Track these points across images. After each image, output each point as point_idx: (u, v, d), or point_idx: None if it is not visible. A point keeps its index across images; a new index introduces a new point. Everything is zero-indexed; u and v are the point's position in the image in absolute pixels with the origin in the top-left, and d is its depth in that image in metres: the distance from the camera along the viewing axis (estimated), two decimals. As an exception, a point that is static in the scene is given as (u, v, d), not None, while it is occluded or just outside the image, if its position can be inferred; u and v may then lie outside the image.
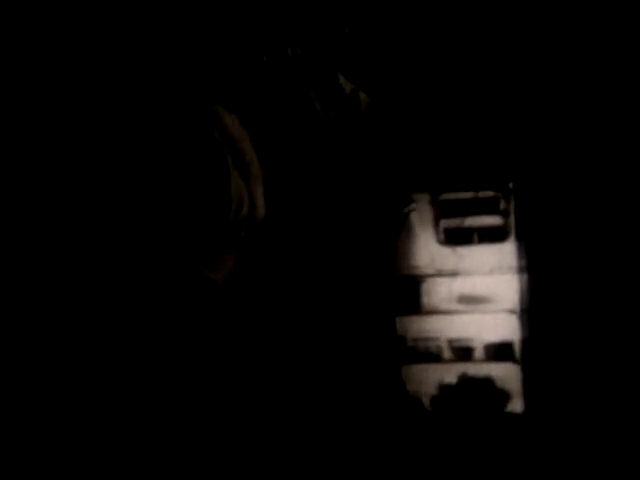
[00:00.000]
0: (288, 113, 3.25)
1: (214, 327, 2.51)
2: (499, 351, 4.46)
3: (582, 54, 4.34)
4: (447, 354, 4.52)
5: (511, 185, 4.47)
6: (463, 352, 4.49)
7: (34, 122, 2.51)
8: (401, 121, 3.97)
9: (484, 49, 4.50)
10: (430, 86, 4.55)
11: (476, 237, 4.52)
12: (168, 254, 2.37)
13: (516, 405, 4.39)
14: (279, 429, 3.04)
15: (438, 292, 4.56)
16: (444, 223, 4.56)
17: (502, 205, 4.49)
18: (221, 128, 2.39)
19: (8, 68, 2.53)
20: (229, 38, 2.72)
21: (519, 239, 4.46)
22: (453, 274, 4.53)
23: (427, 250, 4.57)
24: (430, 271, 4.57)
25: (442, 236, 4.56)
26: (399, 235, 3.95)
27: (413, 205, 3.70)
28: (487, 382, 4.43)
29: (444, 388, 4.49)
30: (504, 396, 4.42)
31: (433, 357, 4.52)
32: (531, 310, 4.41)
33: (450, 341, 4.51)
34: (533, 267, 4.44)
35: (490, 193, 4.50)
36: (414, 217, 4.54)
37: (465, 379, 4.47)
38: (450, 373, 4.50)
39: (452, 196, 4.55)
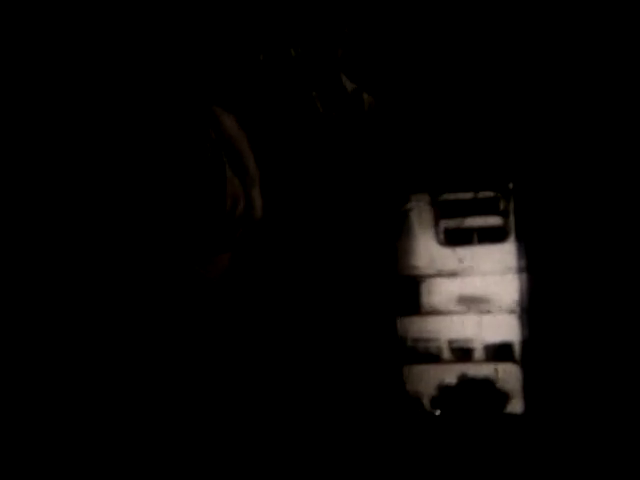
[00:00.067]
0: (289, 113, 3.25)
1: (208, 325, 2.51)
2: (499, 352, 4.45)
3: (582, 54, 4.33)
4: (447, 354, 4.52)
5: (511, 185, 4.47)
6: (463, 353, 4.49)
7: (32, 119, 2.50)
8: (401, 121, 3.97)
9: (484, 49, 4.50)
10: (429, 87, 4.55)
11: (476, 237, 4.52)
12: (162, 251, 2.37)
13: (516, 406, 4.39)
14: (278, 428, 3.04)
15: (438, 292, 4.55)
16: (444, 223, 4.56)
17: (502, 205, 4.49)
18: (217, 128, 2.39)
19: (8, 68, 2.52)
20: (227, 38, 2.72)
21: (519, 239, 4.46)
22: (453, 274, 4.53)
23: (427, 250, 4.57)
24: (430, 271, 4.57)
25: (442, 236, 4.56)
26: (399, 235, 3.95)
27: (411, 204, 3.70)
28: (487, 383, 4.43)
29: (444, 389, 4.49)
30: (504, 397, 4.41)
31: (433, 357, 4.52)
32: (531, 310, 4.41)
33: (450, 341, 4.51)
34: (533, 267, 4.43)
35: (490, 193, 4.50)
36: (414, 217, 4.54)
37: (465, 380, 4.46)
38: (450, 373, 4.49)
39: (452, 196, 4.55)
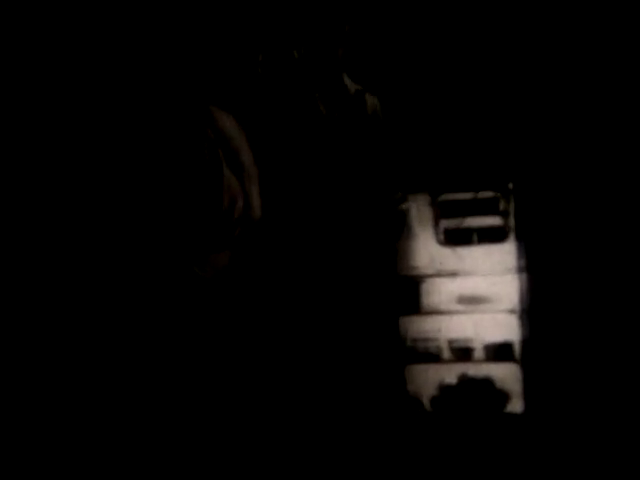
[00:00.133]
0: (290, 113, 3.25)
1: (205, 325, 2.51)
2: (499, 351, 4.46)
3: (582, 54, 4.34)
4: (447, 354, 4.52)
5: (511, 185, 4.47)
6: (463, 352, 4.49)
7: (30, 117, 2.50)
8: (402, 121, 3.97)
9: (484, 50, 4.50)
10: (429, 87, 4.55)
11: (476, 237, 4.52)
12: (158, 250, 2.37)
13: (516, 405, 4.39)
14: (278, 428, 3.04)
15: (438, 292, 4.55)
16: (444, 223, 4.56)
17: (502, 205, 4.49)
18: (215, 127, 2.39)
19: (6, 66, 2.52)
20: (226, 38, 2.72)
21: (519, 239, 4.46)
22: (453, 274, 4.53)
23: (427, 250, 4.57)
24: (430, 271, 4.57)
25: (442, 236, 4.56)
26: (399, 235, 3.95)
27: (408, 203, 3.70)
28: (487, 382, 4.43)
29: (444, 388, 4.49)
30: (504, 396, 4.42)
31: (433, 357, 4.52)
32: (531, 310, 4.41)
33: (450, 341, 4.51)
34: (533, 267, 4.44)
35: (490, 193, 4.50)
36: (414, 217, 4.54)
37: (465, 379, 4.47)
38: (450, 373, 4.49)
39: (452, 196, 4.55)
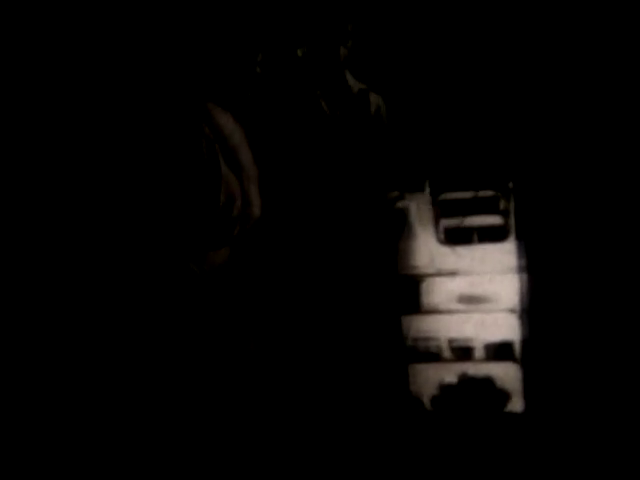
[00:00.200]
0: (291, 111, 3.25)
1: (204, 324, 2.51)
2: (499, 351, 4.45)
3: (582, 54, 4.33)
4: (447, 354, 4.52)
5: (511, 185, 4.47)
6: (463, 352, 4.49)
7: (26, 113, 2.50)
8: (402, 120, 3.97)
9: (484, 49, 4.50)
10: (429, 86, 4.55)
11: (476, 237, 4.52)
12: (155, 246, 2.37)
13: (516, 405, 4.39)
14: (277, 428, 3.04)
15: (438, 292, 4.55)
16: (444, 223, 4.56)
17: (502, 205, 4.49)
18: (213, 125, 2.39)
19: (4, 65, 2.52)
20: (226, 36, 2.72)
21: (519, 239, 4.46)
22: (453, 274, 4.53)
23: (427, 250, 4.57)
24: (430, 271, 4.57)
25: (442, 236, 4.56)
26: (399, 235, 3.95)
27: (405, 201, 3.69)
28: (487, 382, 4.43)
29: (444, 388, 4.49)
30: (504, 396, 4.42)
31: (433, 357, 4.52)
32: (531, 310, 4.41)
33: (450, 341, 4.51)
34: (533, 267, 4.43)
35: (490, 193, 4.50)
36: (414, 217, 4.54)
37: (465, 379, 4.47)
38: (450, 373, 4.49)
39: (452, 196, 4.55)
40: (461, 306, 4.52)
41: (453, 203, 4.54)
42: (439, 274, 4.56)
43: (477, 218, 4.52)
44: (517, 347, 4.41)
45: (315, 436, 3.19)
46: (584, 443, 3.99)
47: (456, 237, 4.54)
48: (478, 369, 4.46)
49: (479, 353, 4.48)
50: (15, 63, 2.50)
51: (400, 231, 4.00)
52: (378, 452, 3.38)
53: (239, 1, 2.89)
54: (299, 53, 3.25)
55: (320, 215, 3.32)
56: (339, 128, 3.32)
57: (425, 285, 4.57)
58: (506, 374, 4.41)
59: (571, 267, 4.35)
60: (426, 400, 4.49)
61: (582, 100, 4.35)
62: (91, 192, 2.35)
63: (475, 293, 4.50)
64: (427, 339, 4.53)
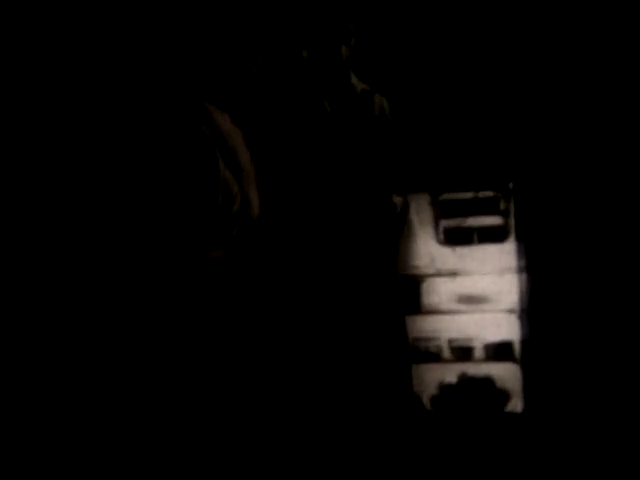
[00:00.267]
0: (292, 111, 3.25)
1: (203, 325, 2.51)
2: (499, 351, 4.46)
3: (582, 54, 4.34)
4: (447, 354, 4.52)
5: (511, 185, 4.47)
6: (463, 352, 4.49)
7: (24, 113, 2.50)
8: (402, 120, 3.97)
9: (484, 49, 4.50)
10: (428, 86, 4.55)
11: (476, 237, 4.52)
12: (154, 248, 2.37)
13: (516, 405, 4.39)
14: (278, 427, 3.04)
15: (438, 292, 4.55)
16: (444, 223, 4.56)
17: (502, 205, 4.49)
18: (211, 125, 2.39)
19: (3, 65, 2.53)
20: (225, 36, 2.72)
21: (519, 239, 4.46)
22: (453, 274, 4.53)
23: (427, 250, 4.57)
24: (430, 271, 4.57)
25: (442, 236, 4.56)
26: (399, 235, 3.95)
27: (399, 198, 3.69)
28: (487, 382, 4.43)
29: (444, 388, 4.49)
30: (504, 396, 4.42)
31: (433, 357, 4.52)
32: (531, 310, 4.41)
33: (450, 341, 4.51)
34: (533, 267, 4.44)
35: (490, 193, 4.50)
36: (414, 217, 4.54)
37: (465, 379, 4.47)
38: (450, 373, 4.49)
39: (452, 196, 4.55)
40: (461, 306, 4.52)
41: (453, 203, 4.55)
42: (439, 274, 4.56)
43: (477, 219, 4.52)
44: (517, 347, 4.42)
45: (315, 436, 3.20)
46: (584, 443, 4.00)
47: (456, 237, 4.54)
48: (478, 369, 4.46)
49: (479, 353, 4.48)
50: (14, 62, 2.51)
51: (400, 231, 4.01)
52: (379, 452, 3.38)
53: (239, 1, 2.90)
54: (304, 54, 3.25)
55: (320, 215, 3.32)
56: (340, 128, 3.32)
57: (425, 285, 4.57)
58: (506, 374, 4.41)
59: (571, 267, 4.36)
60: (426, 400, 4.50)
61: (582, 101, 4.35)
62: (89, 192, 2.36)
63: (475, 293, 4.50)
64: (427, 339, 4.53)
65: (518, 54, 4.47)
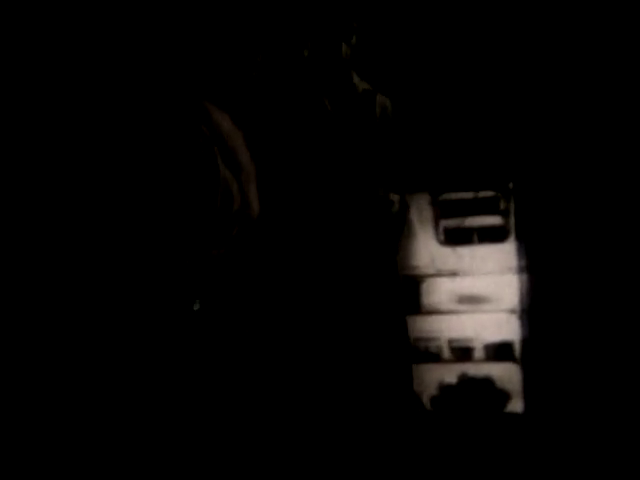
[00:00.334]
0: (292, 110, 3.25)
1: (203, 327, 2.51)
2: (499, 351, 4.46)
3: (582, 54, 4.33)
4: (447, 354, 4.52)
5: (511, 185, 4.47)
6: (463, 352, 4.49)
7: (23, 113, 2.50)
8: (403, 121, 3.97)
9: (484, 48, 4.50)
10: (429, 87, 4.55)
11: (476, 237, 4.52)
12: (153, 248, 2.37)
13: (516, 405, 4.39)
14: (279, 427, 3.04)
15: (438, 292, 4.55)
16: (444, 223, 4.56)
17: (502, 205, 4.49)
18: (210, 124, 2.39)
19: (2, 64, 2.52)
20: (225, 36, 2.72)
21: (519, 239, 4.46)
22: (453, 274, 4.53)
23: (427, 250, 4.57)
24: (430, 271, 4.57)
25: (442, 236, 4.56)
26: (399, 235, 3.95)
27: (405, 202, 3.69)
28: (487, 382, 4.43)
29: (444, 388, 4.49)
30: (504, 396, 4.42)
31: (433, 357, 4.52)
32: (531, 310, 4.41)
33: (450, 341, 4.51)
34: (533, 267, 4.43)
35: (490, 193, 4.50)
36: (414, 217, 4.54)
37: (465, 379, 4.47)
38: (450, 373, 4.49)
39: (452, 196, 4.55)
40: (461, 306, 4.52)
41: (453, 203, 4.55)
42: (439, 274, 4.56)
43: (477, 218, 4.52)
44: (517, 347, 4.42)
45: (316, 435, 3.20)
46: (584, 443, 3.99)
47: (456, 237, 4.54)
48: (478, 369, 4.46)
49: (479, 353, 4.48)
50: (14, 62, 2.51)
51: (400, 231, 4.00)
52: (379, 452, 3.38)
53: (240, 1, 2.89)
54: (305, 53, 3.24)
55: (320, 215, 3.32)
56: (341, 127, 3.31)
57: (425, 285, 4.57)
58: (506, 374, 4.41)
59: (571, 267, 4.35)
60: (426, 400, 4.50)
61: (582, 101, 4.35)
62: (87, 191, 2.36)
63: (475, 293, 4.50)
64: (427, 339, 4.53)
65: (519, 55, 4.46)
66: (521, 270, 4.42)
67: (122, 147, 2.32)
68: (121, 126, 2.33)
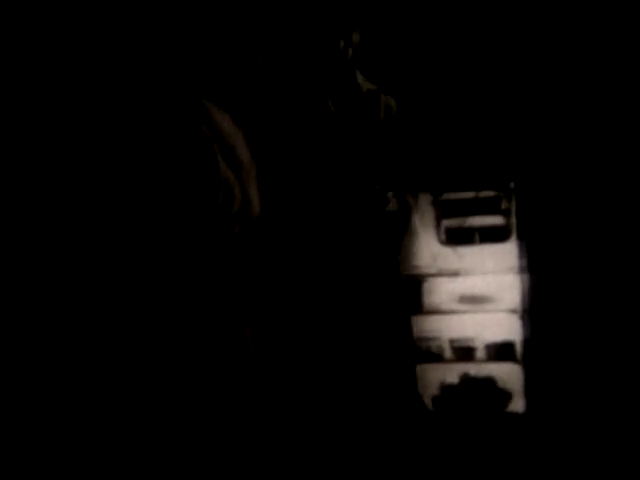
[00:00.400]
0: (295, 110, 3.25)
1: (204, 325, 2.51)
2: (500, 351, 4.46)
3: (582, 54, 4.34)
4: (448, 354, 4.52)
5: (512, 185, 4.47)
6: (464, 352, 4.49)
7: (24, 113, 2.51)
8: (404, 121, 3.98)
9: (485, 48, 4.50)
10: (431, 87, 4.55)
11: (477, 237, 4.52)
12: (153, 247, 2.37)
13: (517, 405, 4.39)
14: (280, 427, 3.04)
15: (439, 292, 4.55)
16: (445, 223, 4.56)
17: (504, 205, 4.49)
18: (210, 123, 2.39)
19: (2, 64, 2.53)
20: (225, 36, 2.72)
21: (521, 239, 4.46)
22: (455, 274, 4.53)
23: (428, 250, 4.57)
24: (431, 271, 4.57)
25: (443, 236, 4.56)
26: (401, 235, 3.95)
27: (407, 202, 3.69)
28: (488, 382, 4.43)
29: (446, 388, 4.49)
30: (505, 396, 4.42)
31: (434, 357, 4.52)
32: (532, 310, 4.41)
33: (451, 341, 4.51)
34: (535, 267, 4.44)
35: (491, 193, 4.50)
36: (416, 217, 4.54)
37: (466, 379, 4.47)
38: (451, 373, 4.49)
39: (453, 196, 4.55)
40: (462, 306, 4.52)
41: (455, 203, 4.55)
42: (441, 274, 4.56)
43: (479, 218, 4.52)
44: (518, 347, 4.42)
45: (318, 435, 3.20)
46: (585, 443, 3.99)
47: (458, 237, 4.54)
48: (479, 369, 4.46)
49: (480, 353, 4.48)
50: (13, 61, 2.51)
51: (402, 231, 4.01)
52: (381, 452, 3.38)
53: (241, 1, 2.90)
54: (306, 53, 3.25)
55: (321, 214, 3.32)
56: (344, 126, 3.32)
57: (427, 285, 4.57)
58: (507, 374, 4.41)
59: (572, 267, 4.36)
60: (427, 400, 4.50)
61: (582, 101, 4.35)
62: (87, 191, 2.36)
63: (476, 293, 4.50)
64: (429, 339, 4.53)
65: (520, 56, 4.47)
66: (522, 270, 4.43)
67: (123, 147, 2.32)
68: (122, 126, 2.34)
